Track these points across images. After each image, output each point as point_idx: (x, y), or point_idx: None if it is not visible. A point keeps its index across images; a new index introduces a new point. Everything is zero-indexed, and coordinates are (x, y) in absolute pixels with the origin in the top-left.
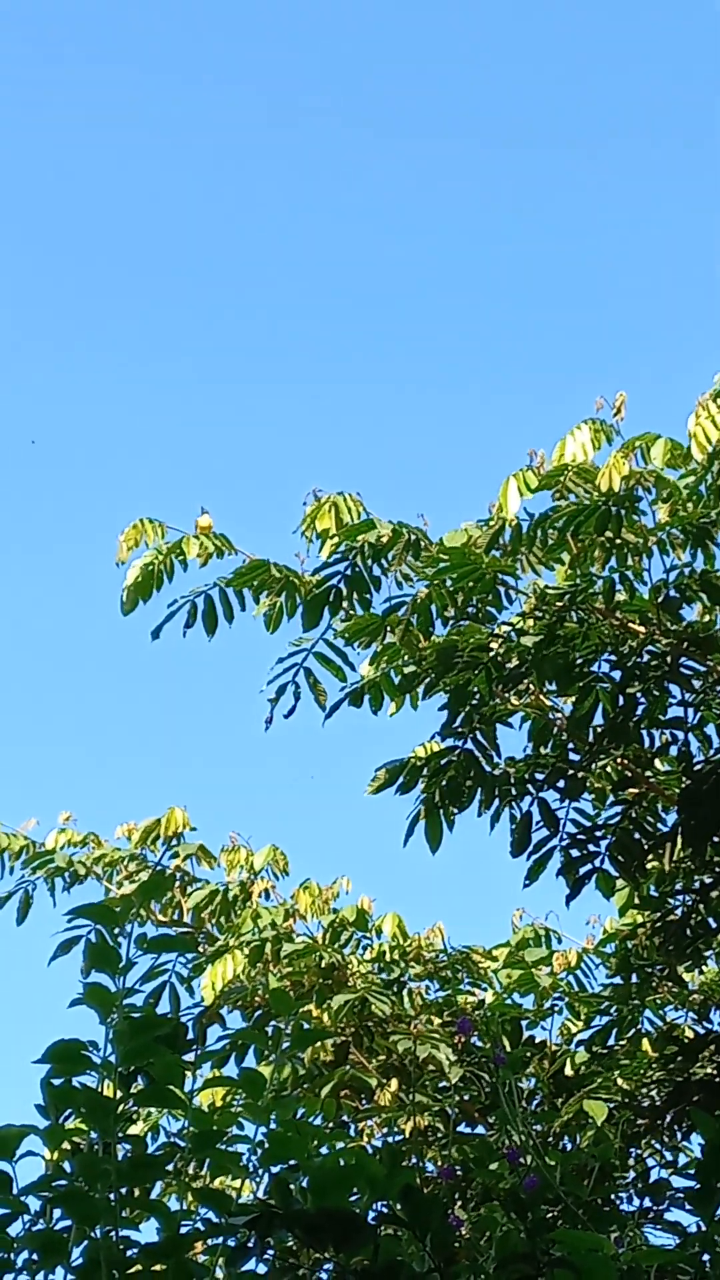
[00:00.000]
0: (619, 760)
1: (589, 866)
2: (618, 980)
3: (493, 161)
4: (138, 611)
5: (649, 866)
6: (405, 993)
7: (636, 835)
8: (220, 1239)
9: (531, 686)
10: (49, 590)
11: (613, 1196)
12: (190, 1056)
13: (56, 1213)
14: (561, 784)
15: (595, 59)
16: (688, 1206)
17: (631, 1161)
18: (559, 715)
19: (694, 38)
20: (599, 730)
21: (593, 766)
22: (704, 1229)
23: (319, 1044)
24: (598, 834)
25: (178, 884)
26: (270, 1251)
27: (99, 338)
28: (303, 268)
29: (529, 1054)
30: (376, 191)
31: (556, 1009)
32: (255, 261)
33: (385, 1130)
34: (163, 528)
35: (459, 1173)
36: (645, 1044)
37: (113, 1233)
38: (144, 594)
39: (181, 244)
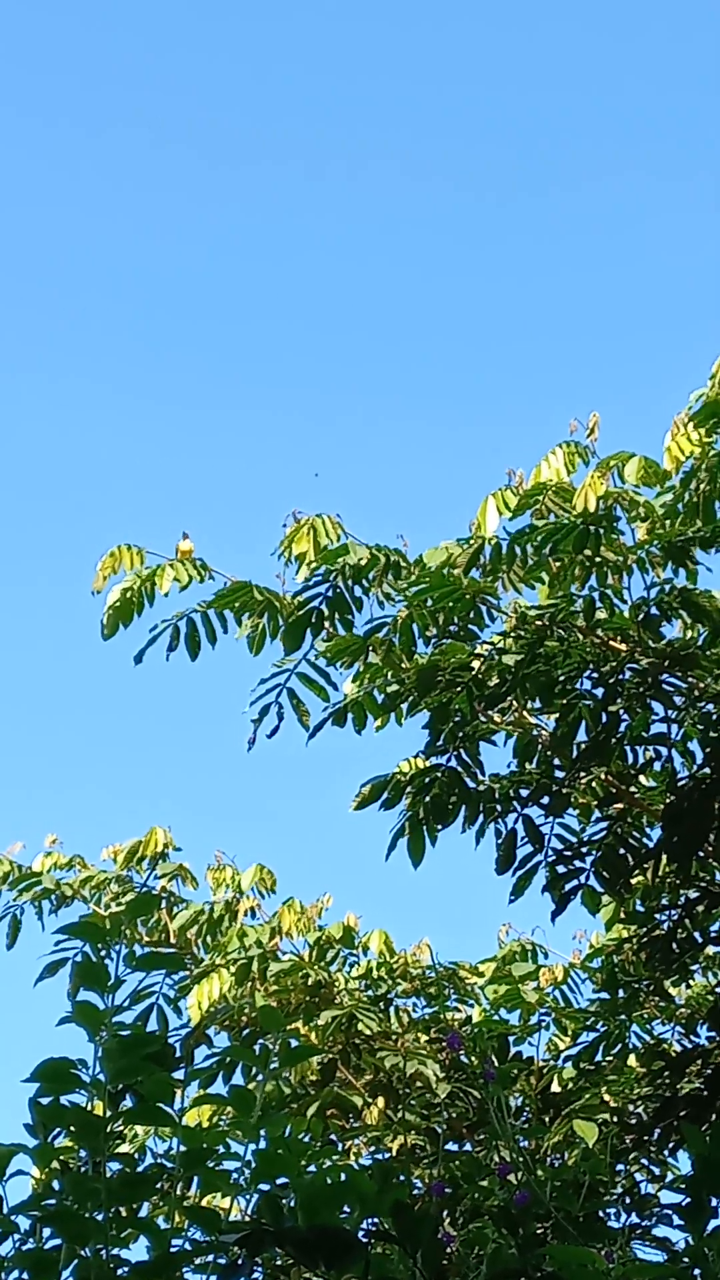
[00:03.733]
0: (603, 776)
1: (574, 882)
2: (604, 995)
3: (471, 190)
4: (120, 634)
5: (634, 882)
6: (392, 1009)
7: (621, 851)
8: (210, 1257)
9: (514, 704)
10: (32, 613)
11: (601, 1212)
12: (179, 1074)
13: (46, 1232)
14: (546, 800)
15: (562, 90)
16: (677, 1221)
17: (619, 1177)
18: (542, 732)
19: (653, 63)
20: (582, 747)
21: (577, 783)
22: (693, 1244)
23: (305, 1062)
24: (583, 850)
25: (163, 904)
26: (260, 1269)
27: (78, 364)
28: (283, 292)
29: (516, 1070)
30: (353, 219)
31: (544, 1024)
32: (235, 286)
33: (373, 1148)
34: (141, 554)
35: (448, 1190)
36: (632, 1059)
37: (103, 1252)
38: (125, 618)
39: (158, 270)
